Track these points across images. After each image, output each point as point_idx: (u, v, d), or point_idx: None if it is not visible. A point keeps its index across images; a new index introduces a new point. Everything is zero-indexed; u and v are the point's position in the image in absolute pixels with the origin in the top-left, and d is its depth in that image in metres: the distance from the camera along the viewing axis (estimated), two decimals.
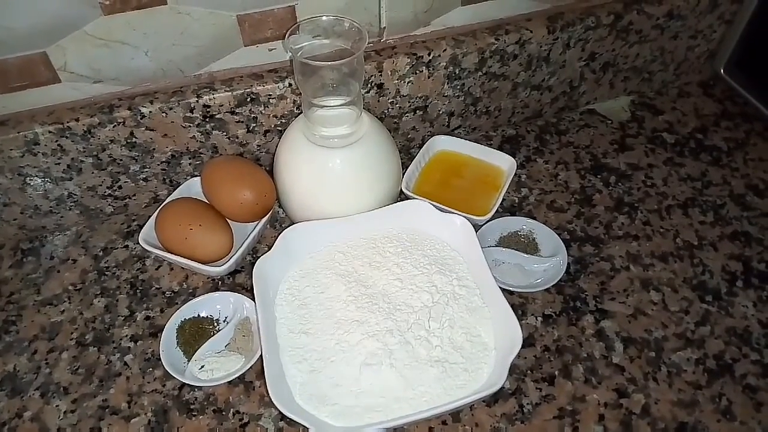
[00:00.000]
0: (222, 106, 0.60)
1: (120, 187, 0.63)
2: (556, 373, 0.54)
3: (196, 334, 0.55)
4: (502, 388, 0.52)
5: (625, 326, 0.57)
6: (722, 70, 0.79)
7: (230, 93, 0.59)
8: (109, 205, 0.65)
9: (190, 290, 0.59)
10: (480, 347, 0.50)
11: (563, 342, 0.56)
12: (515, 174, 0.70)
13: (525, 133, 0.76)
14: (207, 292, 0.58)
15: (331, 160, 0.56)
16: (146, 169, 0.63)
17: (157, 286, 0.60)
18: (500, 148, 0.73)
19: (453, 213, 0.59)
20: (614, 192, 0.69)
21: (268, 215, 0.60)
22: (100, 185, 0.62)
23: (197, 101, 0.59)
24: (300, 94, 0.59)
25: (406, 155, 0.71)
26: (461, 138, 0.69)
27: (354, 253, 0.56)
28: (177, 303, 0.58)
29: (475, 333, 0.51)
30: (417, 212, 0.58)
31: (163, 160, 0.63)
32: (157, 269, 0.61)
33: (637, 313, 0.58)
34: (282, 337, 0.51)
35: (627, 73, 0.77)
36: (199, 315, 0.56)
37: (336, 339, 0.50)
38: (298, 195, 0.58)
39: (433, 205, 0.59)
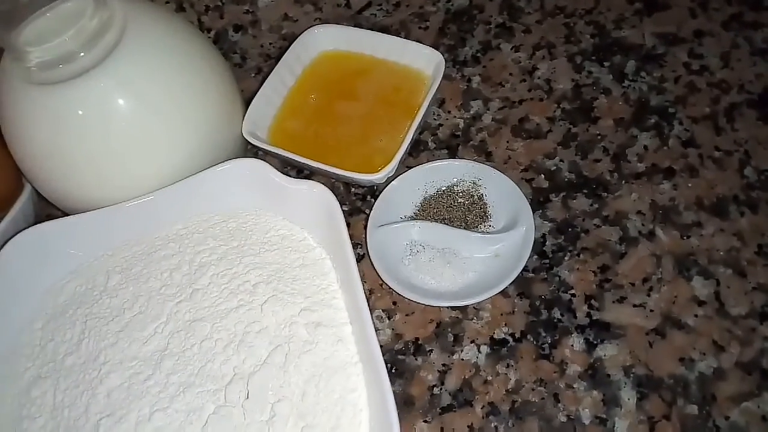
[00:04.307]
0: None
1: None
2: None
3: None
4: None
5: (642, 354, 0.31)
6: None
7: None
8: None
9: None
10: None
11: (523, 394, 0.31)
12: (463, 77, 0.42)
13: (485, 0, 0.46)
14: None
15: (70, 106, 0.30)
16: None
17: None
18: (441, 32, 0.45)
19: (326, 172, 0.33)
20: (632, 90, 0.40)
21: (13, 212, 0.35)
22: None
23: None
24: None
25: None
26: (359, 27, 0.40)
27: (134, 270, 0.32)
28: None
29: (332, 420, 0.27)
30: (251, 181, 0.32)
31: None
32: None
33: (667, 324, 0.31)
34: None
35: None
36: None
37: None
38: (40, 175, 0.33)
39: (288, 160, 0.33)
